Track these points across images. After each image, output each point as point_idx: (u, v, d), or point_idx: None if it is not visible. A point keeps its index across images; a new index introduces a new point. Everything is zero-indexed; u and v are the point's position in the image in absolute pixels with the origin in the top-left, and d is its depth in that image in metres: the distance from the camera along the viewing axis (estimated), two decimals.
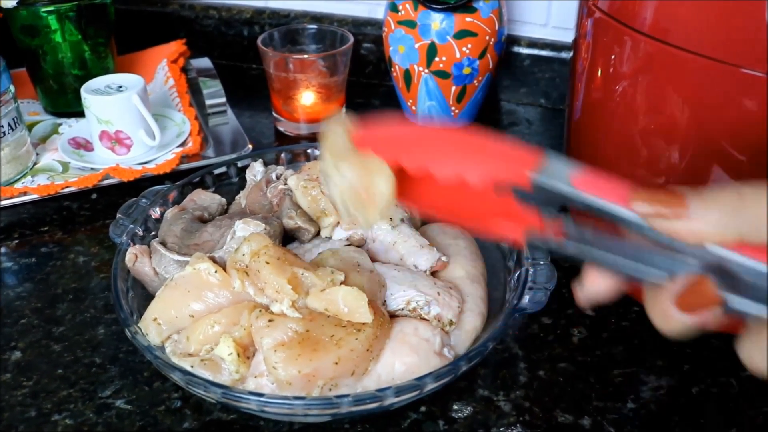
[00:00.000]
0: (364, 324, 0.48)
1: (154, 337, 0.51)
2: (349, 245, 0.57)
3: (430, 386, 0.46)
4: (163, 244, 0.57)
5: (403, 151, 0.42)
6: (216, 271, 0.51)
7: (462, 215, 0.42)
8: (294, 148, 0.70)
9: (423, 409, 0.53)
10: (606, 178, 0.36)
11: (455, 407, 0.53)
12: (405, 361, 0.49)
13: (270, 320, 0.48)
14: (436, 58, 0.85)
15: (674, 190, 0.33)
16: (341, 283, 0.49)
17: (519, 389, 0.55)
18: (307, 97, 0.88)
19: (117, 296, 0.53)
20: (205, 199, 0.64)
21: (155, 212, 0.62)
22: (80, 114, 0.89)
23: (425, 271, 0.55)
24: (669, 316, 0.33)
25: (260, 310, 0.49)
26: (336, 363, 0.46)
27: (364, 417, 0.52)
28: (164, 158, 0.82)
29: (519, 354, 0.58)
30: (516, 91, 1.01)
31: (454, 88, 0.87)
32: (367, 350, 0.48)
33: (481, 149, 0.41)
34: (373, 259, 0.56)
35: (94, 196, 0.79)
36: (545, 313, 0.62)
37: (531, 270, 0.53)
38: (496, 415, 0.53)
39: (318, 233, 0.59)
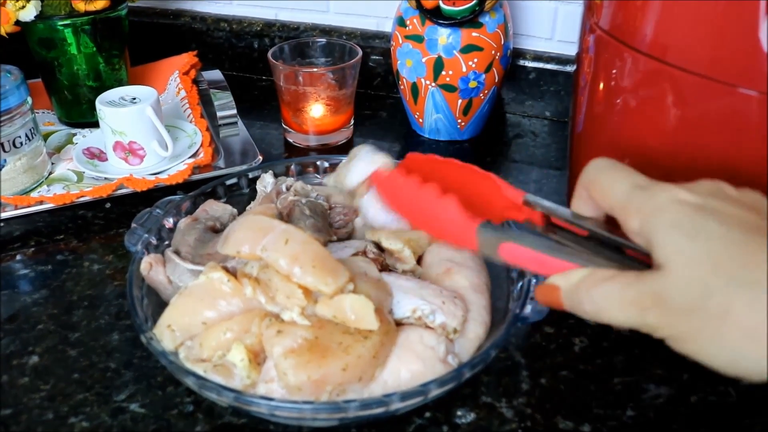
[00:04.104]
0: (370, 331, 0.49)
1: (168, 343, 0.52)
2: (356, 254, 0.59)
3: (435, 392, 0.47)
4: (177, 253, 0.59)
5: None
6: (228, 280, 0.53)
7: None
8: (303, 160, 0.72)
9: (428, 414, 0.55)
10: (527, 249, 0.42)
11: (459, 413, 0.55)
12: (410, 368, 0.50)
13: (280, 329, 0.49)
14: (443, 72, 0.87)
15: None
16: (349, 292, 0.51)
17: (521, 396, 0.56)
18: (316, 110, 0.90)
19: (132, 303, 0.54)
20: (217, 209, 0.65)
21: (168, 222, 0.63)
22: (94, 124, 0.91)
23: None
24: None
25: (270, 319, 0.51)
26: (344, 369, 0.47)
27: (370, 421, 0.54)
28: (176, 169, 0.84)
29: (521, 362, 0.60)
30: (521, 103, 1.02)
31: (460, 101, 0.89)
32: (374, 357, 0.49)
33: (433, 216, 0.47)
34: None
35: (108, 205, 0.80)
36: (547, 323, 0.63)
37: (533, 280, 0.55)
38: (499, 421, 0.54)
39: (326, 244, 0.60)
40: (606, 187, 0.41)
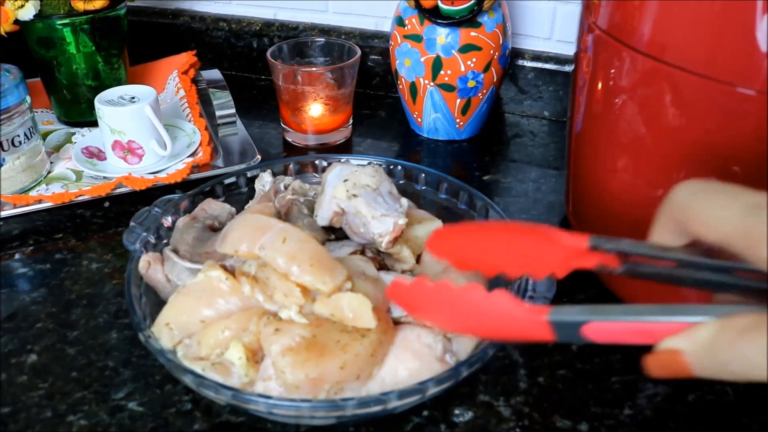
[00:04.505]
0: (368, 330, 0.50)
1: (166, 341, 0.52)
2: (354, 253, 0.59)
3: (432, 391, 0.47)
4: (176, 252, 0.59)
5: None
6: (227, 279, 0.53)
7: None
8: (302, 159, 0.72)
9: (425, 413, 0.55)
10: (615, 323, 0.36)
11: (457, 412, 0.55)
12: (408, 366, 0.50)
13: (277, 328, 0.49)
14: (442, 72, 0.87)
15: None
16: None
17: (519, 395, 0.56)
18: (315, 109, 0.90)
19: (131, 301, 0.54)
20: (215, 208, 0.65)
21: (167, 221, 0.63)
22: (93, 123, 0.91)
23: (382, 242, 0.57)
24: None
25: (268, 317, 0.51)
26: (342, 367, 0.48)
27: (368, 420, 0.54)
28: (175, 168, 0.84)
29: (519, 361, 0.60)
30: (520, 103, 1.02)
31: (459, 100, 0.89)
32: (372, 355, 0.49)
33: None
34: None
35: (106, 204, 0.80)
36: None
37: (531, 280, 0.55)
38: (497, 419, 0.54)
39: (323, 243, 0.60)
40: (710, 215, 0.34)
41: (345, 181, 0.58)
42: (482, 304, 0.41)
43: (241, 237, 0.52)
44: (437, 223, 0.62)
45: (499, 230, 0.45)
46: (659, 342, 0.35)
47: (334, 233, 0.61)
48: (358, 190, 0.57)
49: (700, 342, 0.33)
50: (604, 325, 0.36)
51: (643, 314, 0.35)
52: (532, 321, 0.39)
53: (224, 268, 0.54)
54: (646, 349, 0.57)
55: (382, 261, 0.60)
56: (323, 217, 0.59)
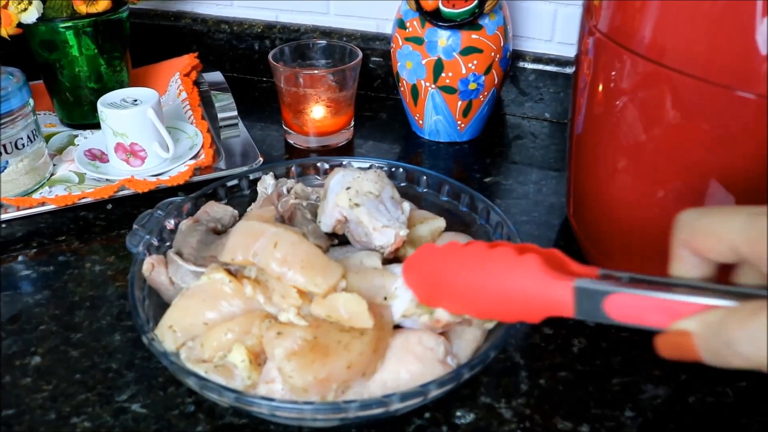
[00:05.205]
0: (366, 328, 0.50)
1: (169, 343, 0.52)
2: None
3: (434, 393, 0.48)
4: (179, 254, 0.59)
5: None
6: (230, 281, 0.53)
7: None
8: (304, 162, 0.72)
9: (427, 415, 0.55)
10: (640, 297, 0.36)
11: (458, 414, 0.55)
12: (410, 368, 0.50)
13: (279, 331, 0.50)
14: (443, 74, 0.87)
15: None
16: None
17: (520, 397, 0.57)
18: (317, 111, 0.90)
19: (134, 304, 0.54)
20: (218, 210, 0.66)
21: (170, 223, 0.64)
22: (96, 126, 0.91)
23: (383, 252, 0.57)
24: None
25: (271, 320, 0.51)
26: (349, 367, 0.48)
27: (370, 422, 0.54)
28: (178, 170, 0.84)
29: (520, 363, 0.60)
30: (521, 105, 1.03)
31: (460, 103, 0.90)
32: (374, 351, 0.49)
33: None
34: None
35: (109, 206, 0.81)
36: (546, 324, 0.63)
37: None
38: (498, 421, 0.55)
39: (327, 249, 0.61)
40: (716, 230, 0.36)
41: (347, 189, 0.58)
42: (511, 264, 0.41)
43: (236, 245, 0.53)
44: (440, 222, 0.62)
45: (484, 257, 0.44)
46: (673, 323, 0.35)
47: (337, 238, 0.61)
48: (360, 199, 0.58)
49: (710, 324, 0.33)
50: (628, 299, 0.36)
51: (669, 292, 0.35)
52: (557, 285, 0.39)
53: (228, 270, 0.54)
54: (647, 348, 0.57)
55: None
56: (326, 223, 0.59)
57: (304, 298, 0.51)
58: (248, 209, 0.68)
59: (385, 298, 0.52)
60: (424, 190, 0.70)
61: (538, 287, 0.40)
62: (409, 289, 0.51)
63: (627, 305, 0.36)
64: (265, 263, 0.51)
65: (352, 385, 0.49)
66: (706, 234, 0.36)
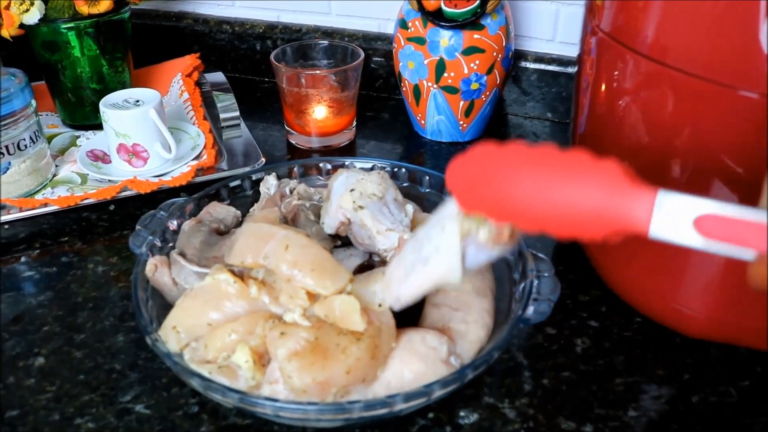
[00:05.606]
0: (361, 332, 0.50)
1: (173, 344, 0.52)
2: (362, 264, 0.59)
3: (438, 393, 0.48)
4: (183, 255, 0.59)
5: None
6: (234, 282, 0.53)
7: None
8: (306, 162, 0.72)
9: (431, 415, 0.55)
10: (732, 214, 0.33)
11: (462, 414, 0.55)
12: (413, 369, 0.50)
13: (283, 332, 0.50)
14: (445, 74, 0.87)
15: None
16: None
17: (523, 397, 0.57)
18: (319, 111, 0.90)
19: (137, 305, 0.54)
20: (220, 211, 0.66)
21: (172, 224, 0.64)
22: (98, 126, 0.91)
23: (387, 256, 0.57)
24: None
25: (274, 321, 0.51)
26: (347, 372, 0.48)
27: (374, 422, 0.54)
28: (180, 171, 0.84)
29: (524, 363, 0.60)
30: (523, 105, 1.03)
31: (462, 102, 0.89)
32: (372, 358, 0.49)
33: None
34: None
35: (112, 207, 0.81)
36: (549, 324, 0.63)
37: (535, 282, 0.55)
38: (502, 421, 0.55)
39: (331, 250, 0.61)
40: None
41: (351, 191, 0.58)
42: (588, 170, 0.37)
43: (246, 248, 0.53)
44: None
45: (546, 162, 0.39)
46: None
47: (340, 239, 0.61)
48: (364, 201, 0.58)
49: None
50: (725, 217, 0.33)
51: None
52: (639, 195, 0.35)
53: (232, 271, 0.54)
54: (649, 348, 0.56)
55: None
56: (330, 225, 0.59)
57: (312, 299, 0.51)
58: (251, 210, 0.68)
59: (380, 305, 0.53)
60: (427, 190, 0.70)
61: (614, 196, 0.36)
62: (452, 193, 0.45)
63: (724, 223, 0.33)
64: (276, 265, 0.51)
65: (352, 390, 0.49)
66: None
